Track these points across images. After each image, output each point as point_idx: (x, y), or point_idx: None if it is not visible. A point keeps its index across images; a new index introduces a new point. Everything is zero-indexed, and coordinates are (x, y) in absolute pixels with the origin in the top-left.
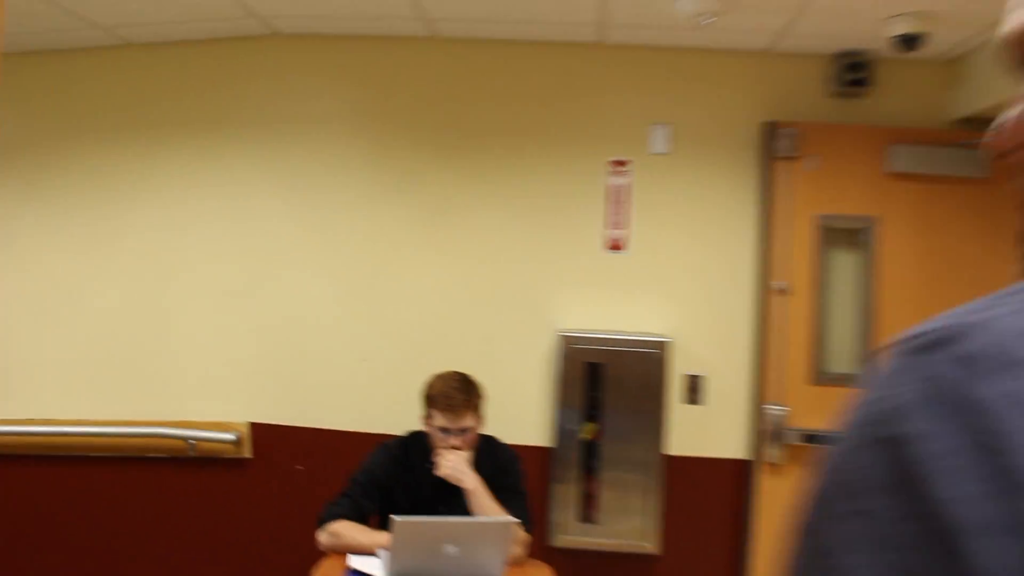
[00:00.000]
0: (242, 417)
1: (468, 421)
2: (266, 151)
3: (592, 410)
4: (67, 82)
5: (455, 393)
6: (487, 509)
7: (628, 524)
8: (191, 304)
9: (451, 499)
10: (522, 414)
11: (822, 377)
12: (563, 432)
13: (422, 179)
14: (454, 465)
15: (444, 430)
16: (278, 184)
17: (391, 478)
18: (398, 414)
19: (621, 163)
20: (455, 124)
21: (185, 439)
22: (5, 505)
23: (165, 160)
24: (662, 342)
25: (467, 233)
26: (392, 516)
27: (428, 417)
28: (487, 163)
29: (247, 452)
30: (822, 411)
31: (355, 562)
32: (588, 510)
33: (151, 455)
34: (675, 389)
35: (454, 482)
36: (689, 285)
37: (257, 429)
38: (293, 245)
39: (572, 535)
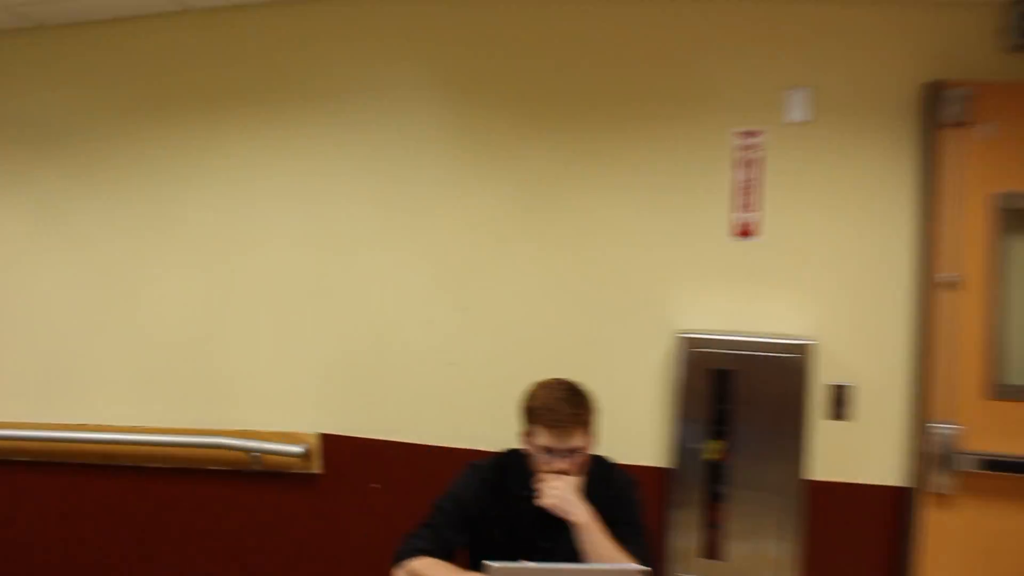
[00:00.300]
0: (311, 427)
1: (577, 440)
2: (339, 125)
3: (718, 425)
4: (120, 54)
5: (562, 406)
6: (600, 549)
7: (760, 560)
8: (256, 298)
9: (555, 534)
10: (635, 429)
11: (1002, 390)
12: (683, 451)
13: (519, 156)
14: (560, 494)
15: (548, 450)
16: (353, 162)
17: (483, 506)
18: (491, 427)
19: (751, 134)
20: (556, 92)
21: (248, 451)
22: (52, 515)
23: (227, 137)
24: (802, 345)
25: (571, 218)
26: (485, 562)
27: (529, 434)
28: (594, 137)
29: (316, 467)
30: (1003, 431)
31: None
32: (713, 543)
33: (210, 467)
34: (818, 401)
35: (560, 514)
36: (834, 278)
37: (328, 441)
38: (370, 232)
39: (693, 572)
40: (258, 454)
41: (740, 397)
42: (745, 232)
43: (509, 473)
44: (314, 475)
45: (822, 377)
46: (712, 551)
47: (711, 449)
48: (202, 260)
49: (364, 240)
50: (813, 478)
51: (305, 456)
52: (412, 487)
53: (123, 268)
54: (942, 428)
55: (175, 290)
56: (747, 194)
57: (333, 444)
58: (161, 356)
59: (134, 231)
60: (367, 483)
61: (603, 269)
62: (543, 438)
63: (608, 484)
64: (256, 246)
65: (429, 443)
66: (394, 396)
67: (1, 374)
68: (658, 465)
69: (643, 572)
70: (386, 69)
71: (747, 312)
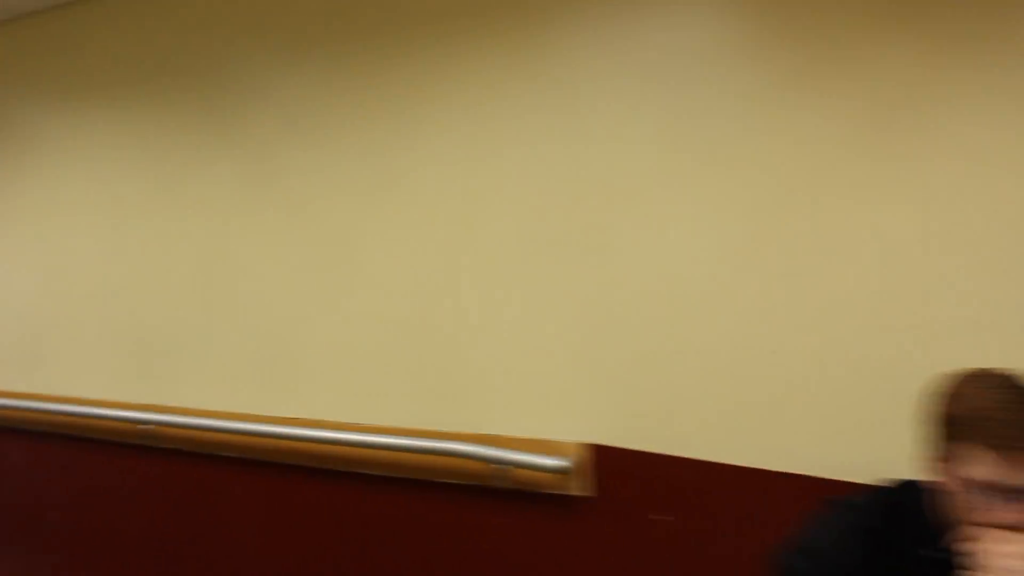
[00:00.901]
0: (577, 435)
1: None
2: (604, 41)
3: None
4: None
5: (1020, 415)
6: None
7: None
8: (504, 267)
9: None
10: None
11: None
12: None
13: (862, 64)
14: (1020, 565)
15: (991, 488)
16: (625, 88)
17: (863, 572)
18: (845, 447)
19: None
20: None
21: (490, 462)
22: (256, 519)
23: (464, 67)
24: None
25: (951, 145)
26: None
27: (949, 460)
28: (985, 28)
29: (582, 488)
30: None
31: None
32: None
33: (440, 480)
34: None
35: None
36: None
37: (600, 455)
38: (649, 178)
39: None
40: (504, 466)
41: None
42: None
43: (907, 521)
44: (578, 498)
45: None
46: None
47: None
48: (435, 221)
49: (641, 190)
50: None
51: (567, 472)
52: (720, 526)
53: (341, 232)
54: None
55: (404, 258)
56: None
57: (606, 458)
58: (387, 339)
59: (354, 188)
60: (652, 513)
61: (1008, 212)
62: (983, 467)
63: None
64: (502, 203)
65: (746, 464)
66: (692, 396)
67: (207, 356)
68: None
69: None
70: None
71: None
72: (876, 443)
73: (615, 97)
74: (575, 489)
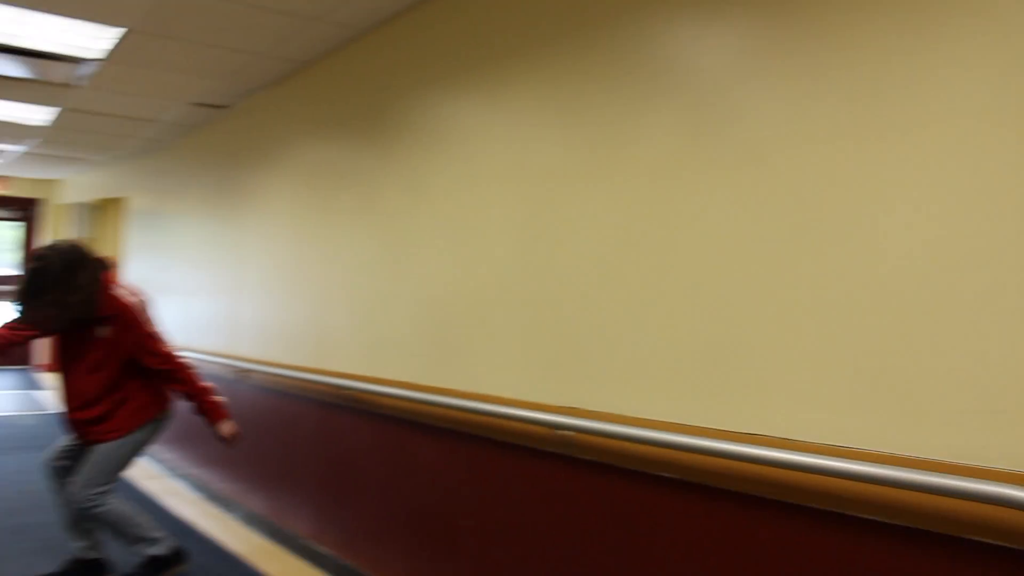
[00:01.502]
0: None
1: None
2: None
3: None
4: None
5: None
6: None
7: None
8: None
9: None
10: None
11: None
12: None
13: None
14: None
15: None
16: None
17: None
18: None
19: None
20: None
21: None
22: (696, 565)
23: None
24: None
25: None
26: None
27: None
28: None
29: None
30: None
31: None
32: None
33: (978, 538)
34: None
35: None
36: None
37: None
38: None
39: None
40: None
41: None
42: None
43: None
44: None
45: None
46: None
47: None
48: (964, 183)
49: None
50: None
51: None
52: None
53: (816, 196)
54: None
55: (908, 229)
56: None
57: None
58: (885, 335)
59: (841, 136)
60: None
61: None
62: None
63: None
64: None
65: None
66: None
67: (638, 353)
68: None
69: None
70: None
71: None
72: None
73: None
74: None
